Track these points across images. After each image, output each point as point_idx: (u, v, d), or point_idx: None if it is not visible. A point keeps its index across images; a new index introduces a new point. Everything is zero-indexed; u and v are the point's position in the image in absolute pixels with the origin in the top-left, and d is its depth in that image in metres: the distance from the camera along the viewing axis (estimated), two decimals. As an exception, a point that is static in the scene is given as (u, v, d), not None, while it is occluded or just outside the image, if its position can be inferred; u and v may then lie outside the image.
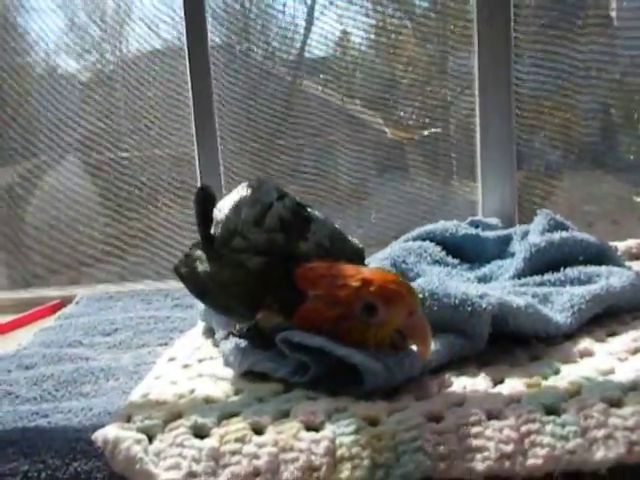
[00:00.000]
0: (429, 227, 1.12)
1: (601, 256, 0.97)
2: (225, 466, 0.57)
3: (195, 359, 0.81)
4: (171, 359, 0.82)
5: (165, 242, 1.42)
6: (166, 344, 0.95)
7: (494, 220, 1.20)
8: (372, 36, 1.45)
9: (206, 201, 0.84)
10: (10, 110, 1.45)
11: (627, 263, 1.06)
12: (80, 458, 0.60)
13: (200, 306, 0.95)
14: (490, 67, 1.26)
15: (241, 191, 0.83)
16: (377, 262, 1.03)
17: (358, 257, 0.81)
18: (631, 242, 1.21)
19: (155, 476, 0.56)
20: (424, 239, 1.10)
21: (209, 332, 0.91)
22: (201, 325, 0.95)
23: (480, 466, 0.56)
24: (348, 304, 0.66)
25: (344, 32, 1.43)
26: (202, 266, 0.79)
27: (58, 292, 1.38)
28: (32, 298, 1.37)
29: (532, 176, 1.42)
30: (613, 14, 1.42)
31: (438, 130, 1.43)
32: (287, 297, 0.71)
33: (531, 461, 0.56)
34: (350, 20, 1.40)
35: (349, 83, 1.42)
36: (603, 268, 0.91)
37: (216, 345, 0.84)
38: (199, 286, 0.80)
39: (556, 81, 1.38)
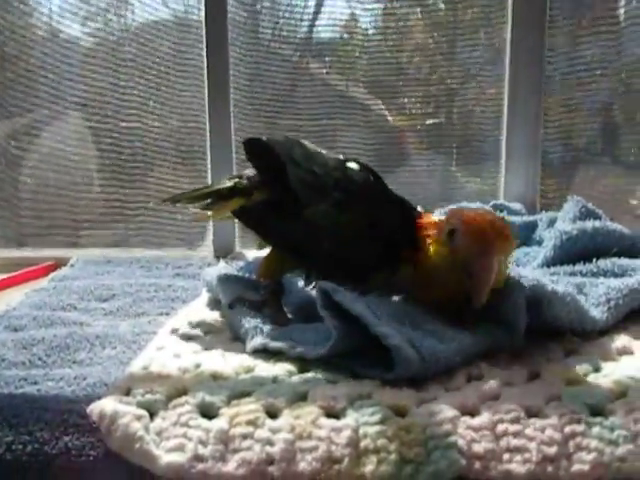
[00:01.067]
0: (451, 208, 1.06)
1: (635, 249, 0.91)
2: (235, 451, 0.51)
3: (200, 331, 0.75)
4: (174, 330, 0.75)
5: (169, 209, 1.36)
6: (167, 314, 0.88)
7: (517, 205, 1.14)
8: (380, 21, 1.41)
9: (268, 148, 0.77)
10: (11, 74, 1.38)
11: None
12: (72, 432, 0.54)
13: (205, 276, 0.89)
14: (522, 44, 1.19)
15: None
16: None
17: None
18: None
19: (156, 458, 0.50)
20: (445, 220, 1.04)
21: (215, 303, 0.85)
22: (206, 296, 0.89)
23: (520, 468, 0.50)
24: (440, 229, 0.68)
25: (352, 15, 1.38)
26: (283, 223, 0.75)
27: (52, 253, 1.31)
28: (25, 258, 1.30)
29: (551, 165, 1.37)
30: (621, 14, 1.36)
31: (442, 120, 1.39)
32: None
33: (577, 466, 0.50)
34: (359, 4, 1.35)
35: (354, 68, 1.38)
36: (638, 262, 0.85)
37: (223, 317, 0.78)
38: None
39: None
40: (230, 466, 0.50)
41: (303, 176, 0.74)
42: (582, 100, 1.30)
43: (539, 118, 1.22)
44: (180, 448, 0.51)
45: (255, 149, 0.79)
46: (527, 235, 1.03)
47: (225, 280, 0.82)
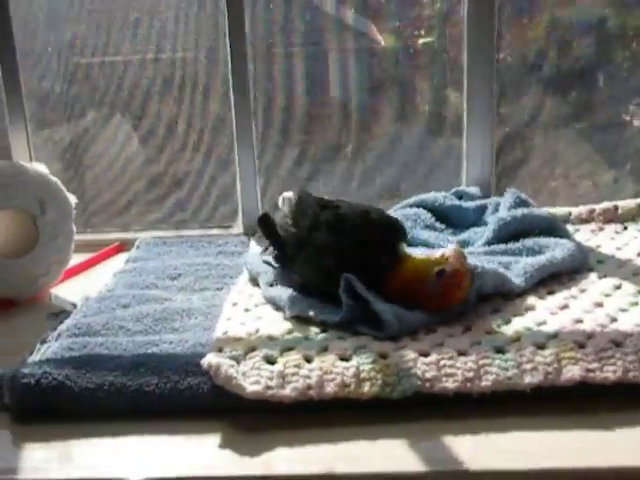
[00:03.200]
0: (422, 196, 1.43)
1: (552, 228, 1.29)
2: (289, 382, 0.88)
3: (252, 304, 1.12)
4: (234, 304, 1.13)
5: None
6: (221, 288, 1.26)
7: (474, 189, 1.51)
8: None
9: (270, 226, 1.17)
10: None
11: (577, 226, 1.40)
12: (191, 375, 0.91)
13: (246, 264, 1.26)
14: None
15: (291, 208, 1.17)
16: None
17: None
18: (582, 209, 1.51)
19: (245, 388, 0.88)
20: (418, 206, 1.41)
21: (254, 280, 1.22)
22: (246, 273, 1.26)
23: (451, 385, 0.88)
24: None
25: None
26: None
27: (115, 235, 1.67)
28: (92, 240, 1.66)
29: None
30: None
31: (432, 39, 1.55)
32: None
33: (484, 384, 0.88)
34: None
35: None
36: (552, 240, 1.22)
37: (263, 294, 1.16)
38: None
39: None
40: (287, 391, 0.88)
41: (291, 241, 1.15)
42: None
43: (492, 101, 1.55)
44: (257, 382, 0.88)
45: (264, 224, 1.20)
46: (478, 217, 1.40)
47: (261, 272, 1.19)
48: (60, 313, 1.23)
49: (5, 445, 0.88)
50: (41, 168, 1.32)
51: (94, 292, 1.27)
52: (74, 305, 1.25)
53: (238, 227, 1.64)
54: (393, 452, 0.81)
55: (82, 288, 1.35)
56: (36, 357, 1.02)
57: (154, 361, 0.95)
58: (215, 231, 1.65)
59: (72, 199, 1.36)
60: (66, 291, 1.37)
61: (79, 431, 0.88)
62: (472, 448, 0.81)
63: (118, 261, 1.52)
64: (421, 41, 1.52)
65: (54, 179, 1.33)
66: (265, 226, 1.20)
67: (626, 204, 1.50)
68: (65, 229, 1.34)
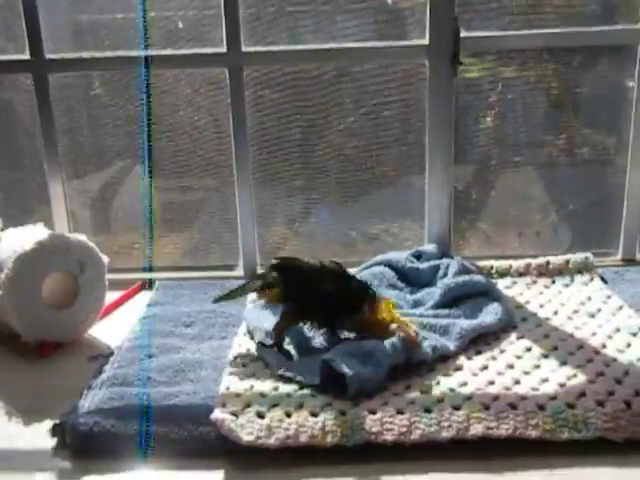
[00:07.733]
0: (388, 256, 1.77)
1: (487, 291, 1.62)
2: (273, 434, 1.23)
3: (248, 359, 1.47)
4: (235, 357, 1.47)
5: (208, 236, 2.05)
6: (225, 337, 1.60)
7: (431, 247, 1.84)
8: None
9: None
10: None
11: (515, 279, 1.74)
12: (203, 425, 1.25)
13: (245, 312, 1.60)
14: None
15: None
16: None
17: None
18: (520, 262, 1.85)
19: (242, 438, 1.22)
20: (385, 265, 1.74)
21: (251, 333, 1.56)
22: (244, 325, 1.60)
23: (390, 437, 1.22)
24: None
25: None
26: None
27: (132, 275, 1.99)
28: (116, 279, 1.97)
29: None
30: None
31: None
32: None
33: (413, 437, 1.22)
34: None
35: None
36: (484, 308, 1.55)
37: (256, 351, 1.50)
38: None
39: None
40: (272, 440, 1.22)
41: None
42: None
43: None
44: (251, 434, 1.22)
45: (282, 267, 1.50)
46: (433, 275, 1.73)
47: (255, 328, 1.53)
48: (98, 356, 1.57)
49: (67, 474, 1.23)
50: (80, 237, 1.65)
51: (123, 333, 1.63)
52: (109, 348, 1.60)
53: (239, 269, 1.97)
54: (345, 490, 1.16)
55: (112, 327, 1.71)
56: (85, 403, 1.36)
57: (176, 412, 1.29)
58: (220, 273, 1.98)
59: (105, 259, 1.69)
60: (99, 331, 1.71)
61: (118, 466, 1.23)
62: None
63: (140, 301, 1.86)
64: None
65: (91, 244, 1.66)
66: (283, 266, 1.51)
67: (556, 260, 1.83)
68: (100, 284, 1.68)
